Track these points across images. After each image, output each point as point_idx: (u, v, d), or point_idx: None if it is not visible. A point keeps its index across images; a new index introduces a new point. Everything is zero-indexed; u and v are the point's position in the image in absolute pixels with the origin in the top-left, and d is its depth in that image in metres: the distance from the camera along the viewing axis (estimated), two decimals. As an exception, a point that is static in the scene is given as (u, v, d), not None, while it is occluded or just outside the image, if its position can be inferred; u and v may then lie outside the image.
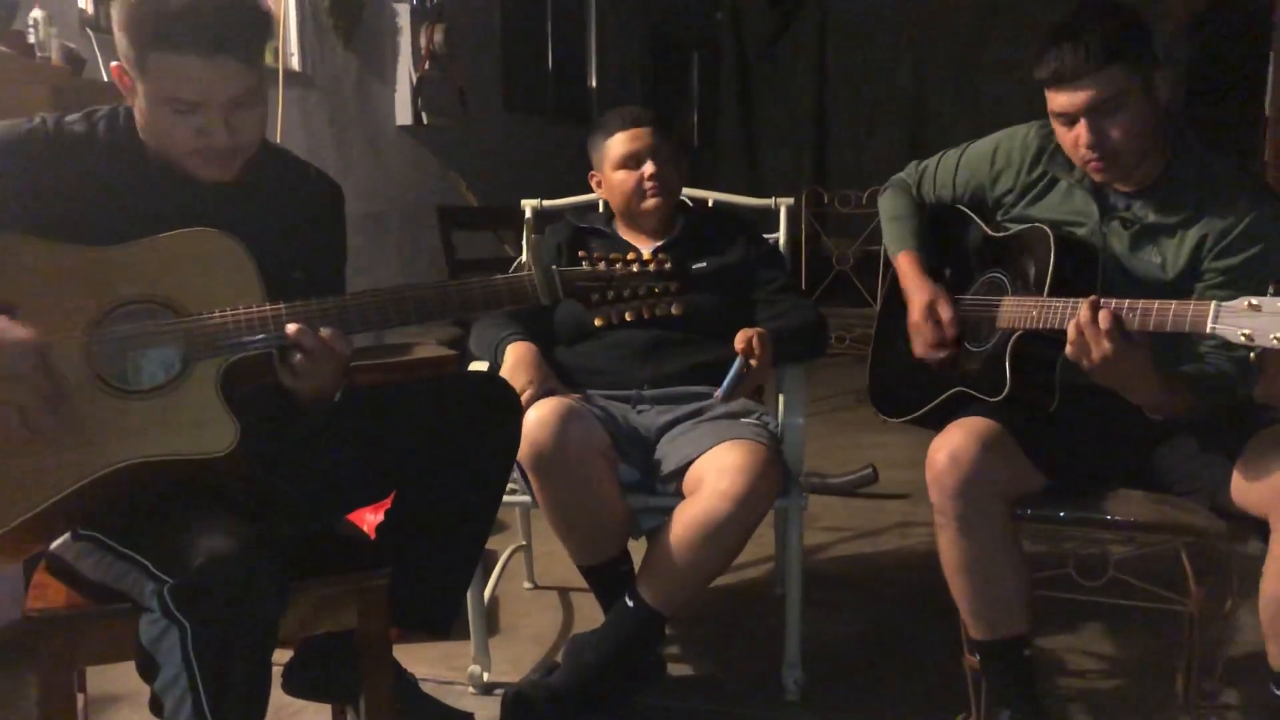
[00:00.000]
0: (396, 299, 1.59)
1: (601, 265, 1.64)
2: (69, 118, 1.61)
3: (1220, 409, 1.79)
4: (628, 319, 1.65)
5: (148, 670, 1.42)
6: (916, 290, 2.09)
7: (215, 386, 1.49)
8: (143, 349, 1.50)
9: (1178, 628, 2.08)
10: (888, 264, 2.28)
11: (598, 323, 1.66)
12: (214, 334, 1.50)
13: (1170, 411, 1.77)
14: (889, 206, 2.26)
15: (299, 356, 1.51)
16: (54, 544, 1.60)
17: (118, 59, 1.55)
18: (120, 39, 1.52)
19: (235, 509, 1.52)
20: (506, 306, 1.72)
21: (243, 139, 1.58)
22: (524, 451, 1.94)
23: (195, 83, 1.50)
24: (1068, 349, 1.70)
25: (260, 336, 1.51)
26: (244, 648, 1.39)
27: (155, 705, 1.43)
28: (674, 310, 1.65)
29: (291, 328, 1.50)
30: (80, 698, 1.77)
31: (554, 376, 2.20)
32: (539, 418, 2.00)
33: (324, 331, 1.51)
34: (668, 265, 1.65)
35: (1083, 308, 1.67)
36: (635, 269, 1.64)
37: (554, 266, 1.63)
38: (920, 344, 2.06)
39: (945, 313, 2.03)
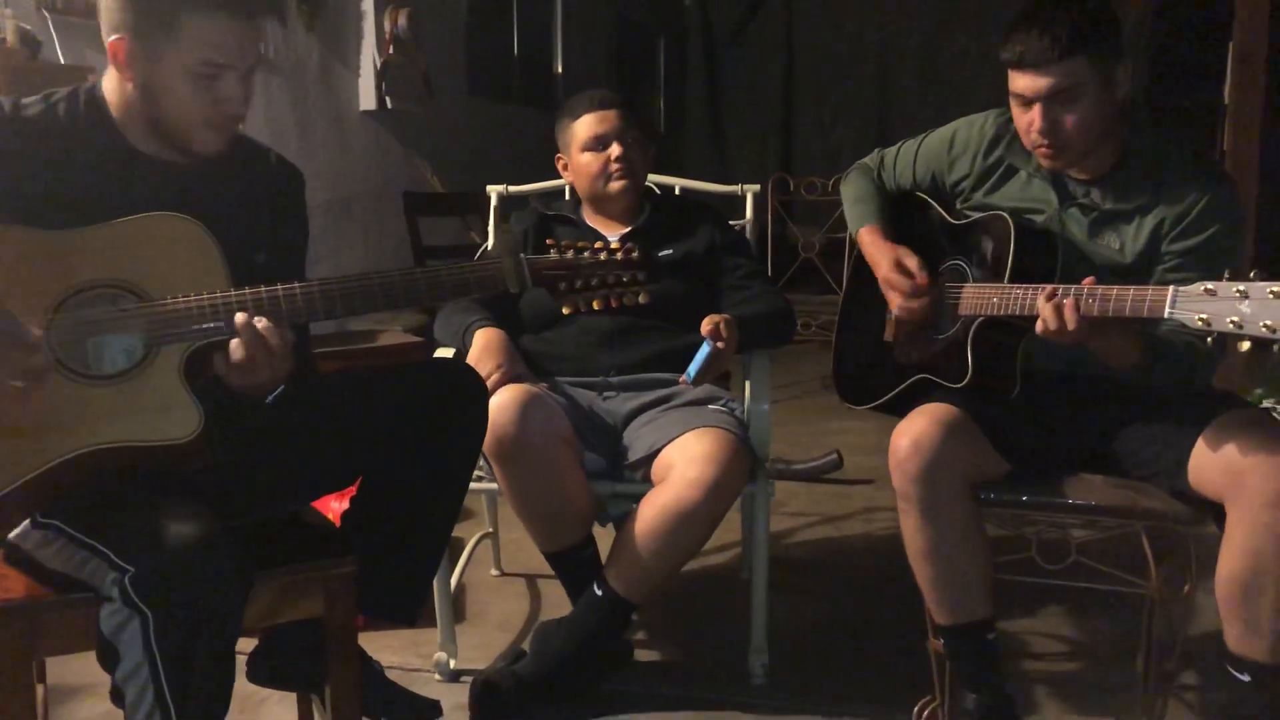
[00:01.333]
0: (364, 286, 1.57)
1: (569, 253, 1.64)
2: (25, 100, 1.59)
3: (1189, 376, 1.82)
4: (595, 307, 1.65)
5: (109, 660, 1.40)
6: (881, 252, 2.09)
7: (179, 372, 1.48)
8: (104, 334, 1.47)
9: (1138, 610, 2.11)
10: (853, 250, 2.29)
11: (565, 310, 1.65)
12: (178, 319, 1.48)
13: (1144, 377, 1.79)
14: (851, 190, 2.26)
15: (235, 345, 1.49)
16: (12, 533, 1.57)
17: (116, 34, 1.53)
18: (132, 8, 1.51)
19: (198, 496, 1.50)
20: (474, 294, 1.71)
21: (245, 108, 1.60)
22: (486, 439, 1.93)
23: (232, 45, 1.53)
24: (1038, 325, 1.71)
25: (221, 325, 1.49)
26: (206, 637, 1.38)
27: (116, 696, 1.41)
28: (640, 299, 1.65)
29: (240, 318, 1.48)
30: (40, 689, 1.76)
31: (521, 362, 2.20)
32: (500, 404, 2.00)
33: (259, 322, 1.49)
34: (635, 254, 1.65)
35: (1041, 303, 1.68)
36: (603, 257, 1.64)
37: (522, 255, 1.63)
38: (896, 297, 2.04)
39: (911, 260, 2.03)
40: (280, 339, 1.49)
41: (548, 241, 1.67)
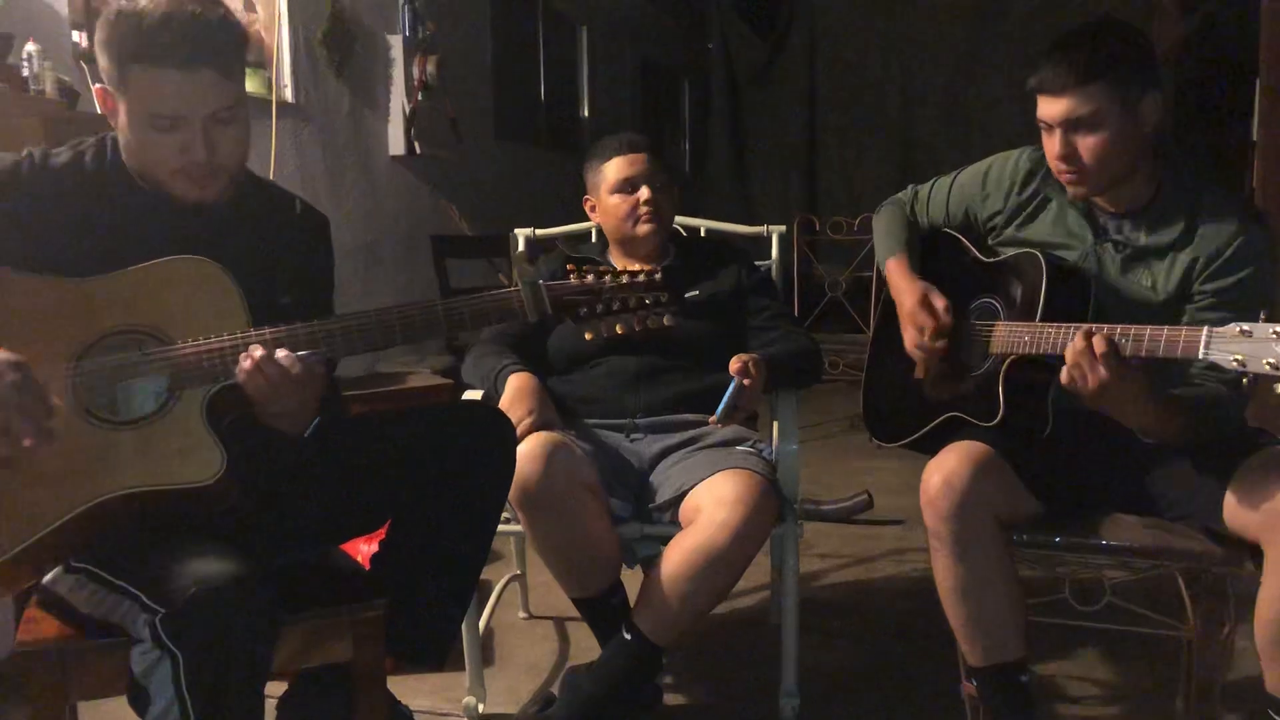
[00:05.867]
0: (383, 320, 1.58)
1: (589, 278, 1.61)
2: (55, 150, 1.62)
3: (1214, 432, 1.79)
4: (619, 331, 1.61)
5: (139, 702, 1.41)
6: (908, 287, 2.09)
7: (201, 414, 1.49)
8: (129, 379, 1.49)
9: (1175, 652, 2.08)
10: (880, 289, 2.28)
11: (588, 336, 1.62)
12: (199, 361, 1.50)
13: (1165, 436, 1.77)
14: (882, 223, 2.27)
15: (257, 382, 1.49)
16: (46, 577, 1.59)
17: (97, 83, 1.57)
18: (101, 58, 1.54)
19: (228, 539, 1.51)
20: (494, 324, 1.68)
21: (223, 157, 1.59)
22: (511, 490, 1.93)
23: (174, 96, 1.51)
24: (1063, 376, 1.70)
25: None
26: (236, 678, 1.38)
27: (148, 738, 1.42)
28: (666, 322, 1.62)
29: (254, 352, 1.48)
30: (72, 733, 1.76)
31: (552, 408, 2.20)
32: (525, 453, 1.99)
33: (280, 354, 1.49)
34: (657, 276, 1.62)
35: (1077, 336, 1.67)
36: (624, 280, 1.61)
37: (540, 282, 1.60)
38: (914, 335, 2.04)
39: (939, 300, 2.03)
40: (302, 367, 1.49)
41: (568, 267, 1.63)
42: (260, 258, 1.65)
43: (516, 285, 1.61)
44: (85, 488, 1.44)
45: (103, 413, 1.48)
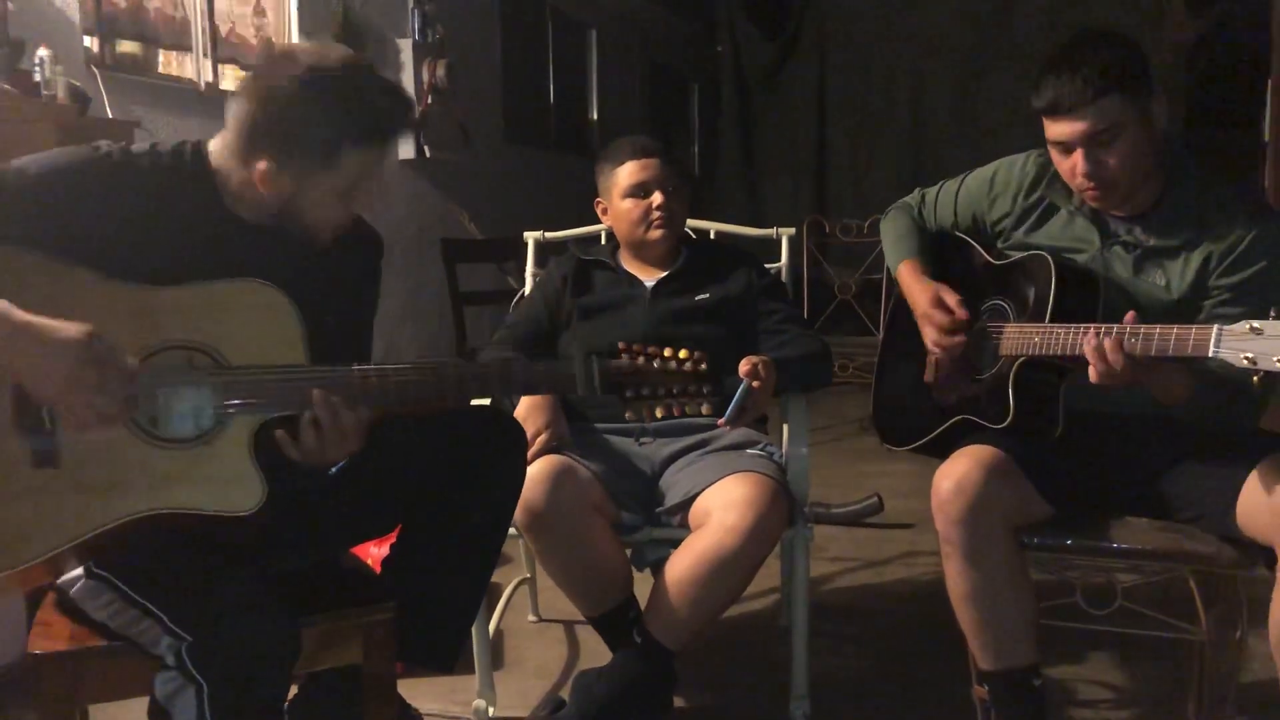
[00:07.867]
0: (440, 376, 1.59)
1: (640, 359, 1.65)
2: (135, 147, 1.60)
3: (1243, 407, 1.78)
4: (658, 415, 1.66)
5: None
6: (920, 288, 2.09)
7: (248, 444, 1.48)
8: (176, 395, 1.47)
9: (1188, 656, 2.07)
10: (890, 292, 2.28)
11: (628, 416, 1.66)
12: (255, 389, 1.49)
13: (1199, 405, 1.76)
14: (891, 227, 2.26)
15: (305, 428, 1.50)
16: (63, 578, 1.59)
17: (261, 159, 1.56)
18: (286, 139, 1.55)
19: (244, 548, 1.51)
20: (543, 392, 1.79)
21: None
22: (518, 513, 1.93)
23: (380, 166, 1.66)
24: (1092, 374, 1.69)
25: (298, 400, 1.50)
26: (260, 702, 1.40)
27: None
28: (704, 411, 1.67)
29: (320, 410, 1.49)
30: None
31: (565, 422, 2.19)
32: (531, 478, 1.99)
33: (339, 406, 1.51)
34: (704, 367, 1.66)
35: (1089, 336, 1.66)
36: (672, 366, 1.65)
37: (593, 356, 1.64)
38: (933, 332, 2.03)
39: (951, 296, 2.02)
40: (355, 419, 1.51)
41: (620, 345, 1.67)
42: (315, 274, 1.65)
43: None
44: (124, 501, 1.44)
45: (146, 424, 1.46)
